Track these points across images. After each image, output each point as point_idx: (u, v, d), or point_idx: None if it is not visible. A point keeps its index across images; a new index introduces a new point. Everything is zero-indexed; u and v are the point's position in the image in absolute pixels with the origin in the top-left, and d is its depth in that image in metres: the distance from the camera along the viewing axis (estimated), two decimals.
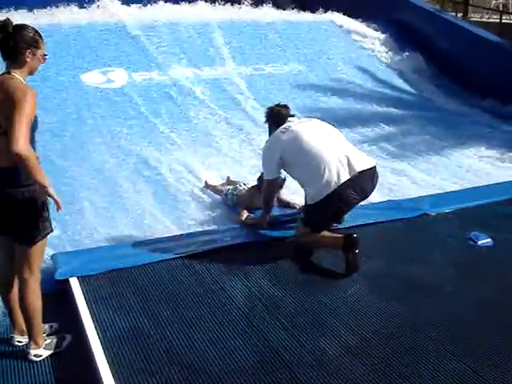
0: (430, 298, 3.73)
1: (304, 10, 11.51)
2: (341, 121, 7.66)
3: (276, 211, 5.02)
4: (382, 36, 11.20)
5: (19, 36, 2.84)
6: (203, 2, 10.82)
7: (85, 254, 4.17)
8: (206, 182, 5.89)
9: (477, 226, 4.85)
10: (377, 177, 4.36)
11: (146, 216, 5.17)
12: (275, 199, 4.97)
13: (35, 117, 2.84)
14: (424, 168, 6.87)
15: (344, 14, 11.34)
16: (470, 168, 6.97)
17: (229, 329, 3.33)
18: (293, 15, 11.14)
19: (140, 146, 6.84)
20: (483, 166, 7.07)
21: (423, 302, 3.68)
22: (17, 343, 3.23)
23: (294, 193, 5.33)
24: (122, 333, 3.27)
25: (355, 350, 3.16)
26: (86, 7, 9.61)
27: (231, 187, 5.51)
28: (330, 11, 11.33)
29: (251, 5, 11.12)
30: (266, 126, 4.73)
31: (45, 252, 3.20)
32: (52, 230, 3.10)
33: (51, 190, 2.82)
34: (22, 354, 3.15)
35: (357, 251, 3.97)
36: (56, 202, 2.84)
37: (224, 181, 5.88)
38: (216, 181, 5.91)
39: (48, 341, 3.19)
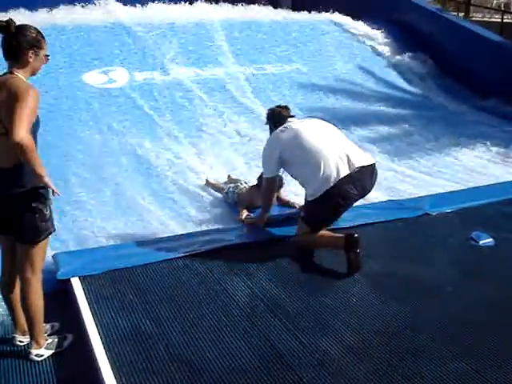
0: (431, 298, 3.73)
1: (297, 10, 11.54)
2: (342, 120, 7.67)
3: (276, 210, 5.03)
4: (384, 36, 11.21)
5: (22, 36, 2.84)
6: (204, 2, 10.81)
7: (86, 254, 4.17)
8: (206, 179, 5.91)
9: (478, 225, 4.84)
10: (376, 174, 4.36)
11: (147, 215, 5.19)
12: (275, 198, 4.99)
13: (37, 117, 2.84)
14: (425, 167, 6.88)
15: (345, 14, 11.32)
16: (471, 167, 6.98)
17: (230, 329, 3.33)
18: (294, 15, 11.14)
19: (141, 145, 6.85)
20: (485, 166, 7.07)
21: (425, 302, 3.67)
22: (18, 343, 3.22)
23: (294, 194, 5.33)
24: (124, 332, 3.27)
25: (357, 350, 3.16)
26: (87, 7, 9.60)
27: (232, 185, 5.53)
28: (331, 11, 11.31)
29: (252, 4, 11.10)
30: (267, 126, 4.76)
31: (46, 251, 3.20)
32: (54, 230, 3.10)
33: (47, 179, 2.82)
34: (24, 353, 3.15)
35: (358, 251, 3.97)
36: (53, 189, 2.86)
37: (225, 179, 5.89)
38: (216, 179, 5.93)
39: (49, 340, 3.19)
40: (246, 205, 5.17)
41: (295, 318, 3.46)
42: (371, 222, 4.86)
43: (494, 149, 7.68)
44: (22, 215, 2.90)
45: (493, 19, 14.95)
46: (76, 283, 3.75)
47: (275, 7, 11.36)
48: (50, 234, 3.06)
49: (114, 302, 3.58)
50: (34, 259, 3.00)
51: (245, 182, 5.56)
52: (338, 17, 11.30)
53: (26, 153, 2.70)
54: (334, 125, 4.65)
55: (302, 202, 4.91)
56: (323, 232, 4.30)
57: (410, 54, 10.98)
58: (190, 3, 10.58)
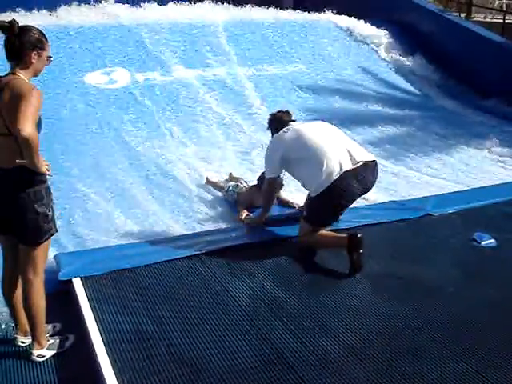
0: (432, 299, 3.73)
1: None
2: (342, 121, 7.67)
3: (275, 211, 5.03)
4: (385, 36, 11.17)
5: (25, 37, 2.85)
6: (206, 2, 10.81)
7: (88, 255, 4.17)
8: (207, 178, 5.95)
9: (480, 226, 4.84)
10: (377, 171, 4.38)
11: (148, 214, 5.21)
12: (275, 199, 4.98)
13: (39, 118, 2.84)
14: (427, 168, 6.87)
15: (346, 15, 11.31)
16: (472, 168, 6.98)
17: (232, 329, 3.33)
18: (295, 15, 11.13)
19: (142, 144, 6.87)
20: (486, 167, 7.07)
21: (426, 303, 3.67)
22: (20, 343, 3.23)
23: (295, 191, 5.34)
24: (125, 333, 3.27)
25: (358, 351, 3.16)
26: (88, 8, 9.60)
27: (233, 184, 5.56)
28: (332, 11, 11.31)
29: (254, 5, 11.10)
30: (268, 125, 4.79)
31: (48, 252, 3.20)
32: (56, 231, 3.10)
33: (43, 169, 2.83)
34: (25, 354, 3.15)
35: (361, 251, 3.97)
36: (47, 173, 2.87)
37: (226, 177, 5.93)
38: (217, 178, 5.96)
39: (51, 341, 3.19)
40: (246, 204, 5.19)
41: (296, 318, 3.46)
42: (373, 222, 4.86)
43: (496, 149, 7.67)
44: (24, 216, 2.90)
45: (494, 20, 14.92)
46: (77, 284, 3.75)
47: (277, 8, 11.34)
48: (53, 234, 3.06)
49: (115, 303, 3.59)
50: (36, 260, 3.00)
51: (245, 182, 5.60)
52: (339, 17, 11.28)
53: (31, 148, 2.70)
54: (335, 125, 4.67)
55: (301, 203, 4.97)
56: (325, 232, 4.31)
57: (411, 54, 10.96)
58: (194, 3, 10.57)
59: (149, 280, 3.89)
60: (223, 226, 5.01)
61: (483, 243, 4.57)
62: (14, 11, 8.55)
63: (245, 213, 5.04)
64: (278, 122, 4.63)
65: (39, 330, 3.09)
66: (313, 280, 3.99)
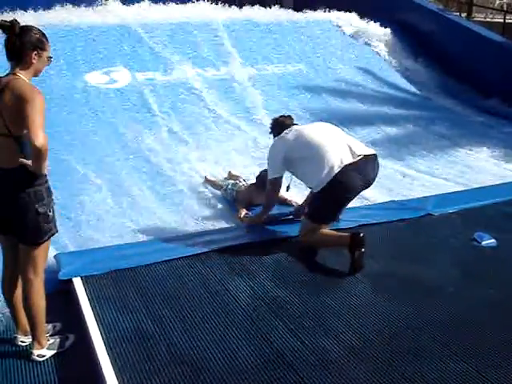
0: (433, 299, 3.73)
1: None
2: (343, 121, 7.71)
3: (274, 209, 5.02)
4: (386, 36, 11.18)
5: (26, 37, 2.84)
6: (207, 2, 10.81)
7: (88, 254, 4.17)
8: (205, 177, 5.97)
9: (480, 226, 4.84)
10: (378, 165, 4.42)
11: (147, 213, 5.21)
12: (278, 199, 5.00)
13: None
14: (427, 168, 6.87)
15: (346, 14, 11.32)
16: (473, 168, 6.97)
17: (232, 329, 3.33)
18: (296, 15, 11.13)
19: (142, 144, 6.87)
20: (487, 166, 7.06)
21: (426, 303, 3.67)
22: (20, 343, 3.23)
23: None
24: (126, 333, 3.27)
25: (358, 351, 3.16)
26: (88, 7, 9.60)
27: (231, 182, 5.58)
28: (333, 11, 11.31)
29: (254, 5, 11.10)
30: (268, 125, 4.83)
31: (48, 252, 3.20)
32: (57, 231, 3.10)
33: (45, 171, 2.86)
34: (26, 354, 3.15)
35: (363, 250, 3.98)
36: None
37: (225, 175, 5.96)
38: (215, 176, 5.99)
39: (51, 341, 3.19)
40: (245, 203, 5.21)
41: (297, 317, 3.46)
42: (373, 222, 4.86)
43: (497, 149, 7.66)
44: (24, 216, 2.90)
45: (495, 19, 14.91)
46: (78, 283, 3.75)
47: (278, 7, 11.36)
48: (53, 234, 3.06)
49: (115, 302, 3.59)
50: (37, 260, 3.00)
51: (244, 180, 5.62)
52: (339, 17, 11.29)
53: (42, 156, 2.73)
54: (335, 125, 4.71)
55: (300, 201, 5.05)
56: (327, 231, 4.32)
57: (412, 54, 10.97)
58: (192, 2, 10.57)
59: (149, 280, 3.89)
60: (223, 224, 5.02)
61: (483, 243, 4.57)
62: (17, 10, 8.57)
63: (244, 211, 5.05)
64: (281, 126, 4.67)
65: (39, 330, 3.09)
66: (313, 280, 3.99)
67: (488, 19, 15.18)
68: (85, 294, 3.64)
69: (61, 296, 3.66)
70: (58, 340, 3.22)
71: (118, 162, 6.36)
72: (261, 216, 4.79)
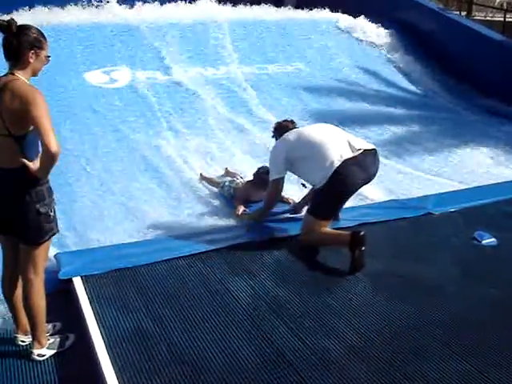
0: (433, 298, 3.72)
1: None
2: (344, 121, 7.70)
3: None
4: (386, 35, 11.16)
5: (23, 36, 2.83)
6: (207, 1, 10.79)
7: (88, 254, 4.17)
8: (201, 174, 6.00)
9: (481, 225, 4.84)
10: (378, 160, 4.47)
11: (148, 213, 5.20)
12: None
13: None
14: (427, 167, 6.86)
15: (348, 14, 11.30)
16: (473, 167, 6.96)
17: (233, 329, 3.33)
18: (296, 14, 11.12)
19: (143, 143, 6.86)
20: (487, 165, 7.05)
21: (427, 302, 3.67)
22: (20, 343, 3.22)
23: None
24: (126, 332, 3.27)
25: (359, 350, 3.15)
26: (89, 7, 9.59)
27: (229, 179, 5.62)
28: (333, 10, 11.30)
29: (254, 4, 11.09)
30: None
31: (49, 252, 3.19)
32: (58, 231, 3.09)
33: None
34: (26, 353, 3.15)
35: (363, 248, 3.97)
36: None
37: (222, 172, 6.00)
38: (211, 174, 6.02)
39: (51, 340, 3.19)
40: (243, 200, 5.23)
41: (297, 317, 3.46)
42: (374, 221, 4.85)
43: (497, 148, 7.64)
44: (25, 216, 2.89)
45: (495, 18, 14.90)
46: (78, 283, 3.75)
47: (279, 6, 11.34)
48: (54, 234, 3.06)
49: (115, 302, 3.58)
50: (37, 260, 2.99)
51: (241, 177, 5.65)
52: (340, 16, 11.27)
53: (53, 163, 2.74)
54: (335, 125, 4.78)
55: (297, 200, 5.10)
56: (328, 229, 4.32)
57: (412, 53, 10.94)
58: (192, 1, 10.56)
59: (149, 279, 3.88)
60: (221, 221, 5.03)
61: (484, 242, 4.57)
62: (17, 10, 8.56)
63: (241, 208, 5.08)
64: (283, 129, 4.74)
65: (39, 330, 3.09)
66: (314, 279, 3.98)
67: (488, 18, 15.17)
68: (85, 293, 3.64)
69: (61, 295, 3.66)
70: (58, 339, 3.22)
71: (117, 161, 6.35)
72: (261, 215, 4.81)
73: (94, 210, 5.20)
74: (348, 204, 4.76)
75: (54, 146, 2.66)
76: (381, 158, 4.57)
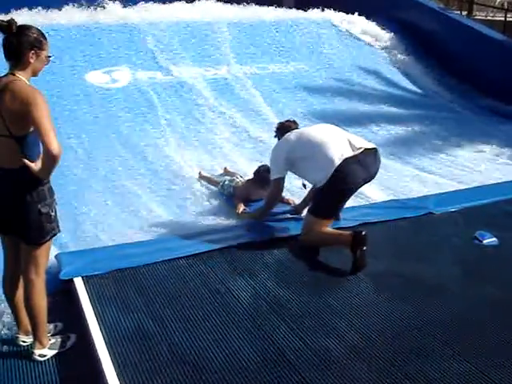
0: (435, 298, 3.72)
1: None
2: (345, 120, 7.70)
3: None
4: (386, 35, 11.16)
5: (23, 36, 2.82)
6: (208, 1, 10.80)
7: (89, 254, 4.17)
8: (200, 172, 6.00)
9: (482, 225, 4.83)
10: (379, 160, 4.48)
11: (148, 213, 5.20)
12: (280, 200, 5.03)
13: None
14: (428, 166, 6.85)
15: (348, 13, 11.31)
16: (474, 167, 6.95)
17: (234, 329, 3.33)
18: (296, 14, 11.12)
19: (143, 142, 6.88)
20: (488, 165, 7.04)
21: (428, 302, 3.66)
22: (21, 343, 3.22)
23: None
24: (127, 332, 3.27)
25: (360, 350, 3.15)
26: (89, 7, 9.59)
27: (228, 178, 5.63)
28: (333, 10, 11.30)
29: (255, 4, 11.09)
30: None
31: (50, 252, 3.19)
32: (59, 231, 3.09)
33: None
34: (27, 353, 3.15)
35: (365, 248, 3.97)
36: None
37: (221, 171, 6.01)
38: (210, 172, 6.03)
39: (52, 340, 3.19)
40: (243, 198, 5.24)
41: (298, 317, 3.46)
42: (374, 221, 4.85)
43: (498, 148, 7.64)
44: (27, 217, 2.89)
45: (496, 18, 14.89)
46: (79, 283, 3.75)
47: (278, 6, 11.34)
48: (55, 234, 3.06)
49: (116, 302, 3.58)
50: (38, 260, 2.99)
51: (240, 176, 5.66)
52: (340, 16, 11.27)
53: (54, 165, 2.73)
54: (336, 125, 4.77)
55: (297, 201, 5.12)
56: (329, 230, 4.32)
57: (412, 53, 10.93)
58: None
59: (150, 279, 3.88)
60: (221, 220, 5.04)
61: (485, 242, 4.56)
62: (18, 10, 8.56)
63: (242, 207, 5.10)
64: (286, 129, 4.74)
65: (41, 330, 3.09)
66: (315, 279, 3.98)
67: (489, 17, 15.17)
68: (86, 293, 3.63)
69: (62, 296, 3.66)
70: (59, 340, 3.22)
71: (117, 161, 6.35)
72: (261, 214, 4.83)
73: (94, 209, 5.20)
74: (348, 204, 4.76)
75: (54, 147, 2.66)
76: (381, 158, 4.56)
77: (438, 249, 4.48)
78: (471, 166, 6.96)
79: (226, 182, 5.54)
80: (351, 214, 4.89)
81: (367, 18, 11.32)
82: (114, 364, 2.96)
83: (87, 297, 3.59)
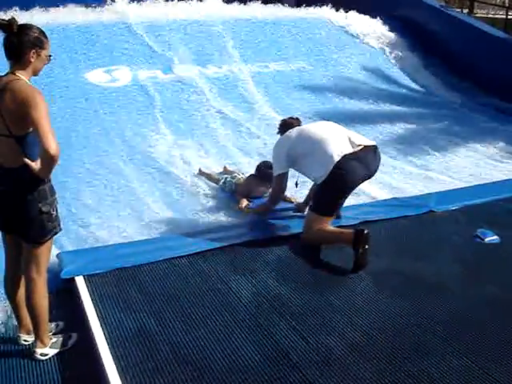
0: (436, 296, 3.72)
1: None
2: (346, 119, 7.70)
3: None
4: (388, 33, 11.15)
5: (24, 35, 2.82)
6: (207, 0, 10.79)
7: (90, 253, 4.17)
8: (199, 169, 6.03)
9: (483, 223, 4.83)
10: (379, 157, 4.49)
11: (149, 212, 5.19)
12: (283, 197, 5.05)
13: None
14: (429, 165, 6.84)
15: (349, 11, 11.29)
16: (475, 165, 6.95)
17: (235, 328, 3.33)
18: (297, 12, 11.11)
19: (144, 142, 6.87)
20: (490, 163, 7.04)
21: (429, 300, 3.66)
22: (23, 342, 3.23)
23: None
24: (128, 331, 3.27)
25: (361, 348, 3.15)
26: (90, 6, 9.59)
27: (229, 175, 5.62)
28: (334, 8, 11.28)
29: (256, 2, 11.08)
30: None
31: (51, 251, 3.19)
32: (61, 230, 3.09)
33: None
34: (28, 353, 3.15)
35: (367, 247, 3.97)
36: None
37: (221, 169, 6.01)
38: (210, 169, 6.04)
39: (54, 340, 3.19)
40: (245, 195, 5.28)
41: (300, 316, 3.46)
42: (375, 219, 4.85)
43: (499, 146, 7.63)
44: (28, 216, 2.89)
45: (497, 16, 14.90)
46: (80, 282, 3.75)
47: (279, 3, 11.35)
48: (56, 233, 3.06)
49: (118, 301, 3.58)
50: (40, 259, 2.99)
51: (242, 174, 5.67)
52: (341, 14, 11.26)
53: (53, 164, 2.73)
54: (337, 123, 4.75)
55: (300, 199, 5.13)
56: (331, 228, 4.33)
57: (413, 50, 10.93)
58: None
59: (152, 278, 3.88)
60: (222, 218, 5.05)
61: (486, 240, 4.56)
62: (18, 10, 8.54)
63: (245, 202, 5.14)
64: (289, 126, 4.77)
65: (42, 329, 3.09)
66: (316, 277, 3.98)
67: (490, 15, 15.16)
68: (87, 292, 3.63)
69: (63, 295, 3.66)
70: (60, 339, 3.22)
71: (118, 160, 6.35)
72: (266, 210, 4.88)
73: (94, 209, 5.19)
74: (349, 202, 4.76)
75: (53, 147, 2.65)
76: (382, 156, 4.57)
77: (439, 247, 4.48)
78: (473, 164, 6.96)
79: (228, 179, 5.56)
80: (352, 212, 4.89)
81: (368, 15, 11.30)
82: (115, 363, 2.96)
83: (88, 296, 3.59)
